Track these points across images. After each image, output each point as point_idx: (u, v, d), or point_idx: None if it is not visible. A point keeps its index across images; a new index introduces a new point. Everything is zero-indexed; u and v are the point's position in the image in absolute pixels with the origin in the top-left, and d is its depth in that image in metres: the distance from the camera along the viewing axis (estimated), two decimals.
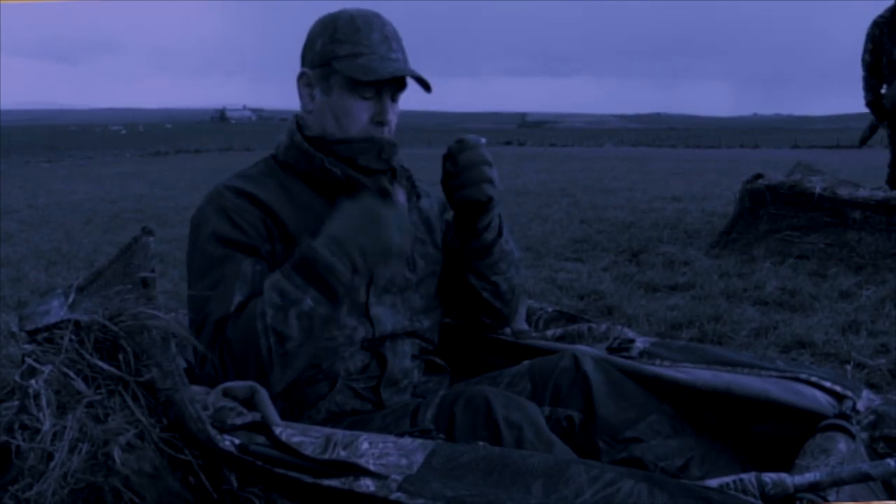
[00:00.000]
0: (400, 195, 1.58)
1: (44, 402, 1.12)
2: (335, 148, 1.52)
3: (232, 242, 1.45)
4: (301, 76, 1.56)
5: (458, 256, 1.65)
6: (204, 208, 1.51)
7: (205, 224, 1.48)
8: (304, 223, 1.48)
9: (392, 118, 1.54)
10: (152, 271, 1.31)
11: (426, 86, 1.54)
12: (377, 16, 1.53)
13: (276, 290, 1.38)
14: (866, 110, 5.61)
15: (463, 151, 1.54)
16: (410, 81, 1.55)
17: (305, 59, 1.56)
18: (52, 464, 1.08)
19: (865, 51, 5.39)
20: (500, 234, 1.64)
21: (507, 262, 1.66)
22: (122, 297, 1.25)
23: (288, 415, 1.48)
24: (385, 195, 1.50)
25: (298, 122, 1.58)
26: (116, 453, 1.09)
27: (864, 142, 6.00)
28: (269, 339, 1.36)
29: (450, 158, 1.55)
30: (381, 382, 1.55)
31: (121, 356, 1.19)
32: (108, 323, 1.20)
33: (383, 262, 1.45)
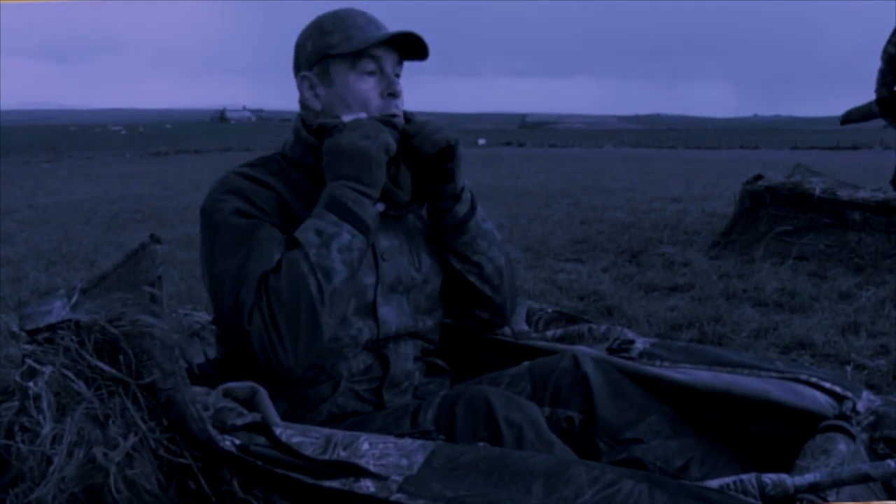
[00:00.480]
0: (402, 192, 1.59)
1: (44, 405, 1.12)
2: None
3: (254, 215, 1.47)
4: (302, 80, 1.57)
5: (438, 239, 1.65)
6: (216, 194, 1.51)
7: (223, 206, 1.48)
8: (306, 210, 1.50)
9: (400, 90, 1.55)
10: (159, 278, 1.32)
11: (423, 49, 1.55)
12: (357, 9, 1.56)
13: (312, 231, 1.42)
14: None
15: (413, 118, 1.57)
16: (407, 63, 1.57)
17: (300, 65, 1.57)
18: (51, 468, 1.07)
19: (890, 42, 5.18)
20: (473, 209, 1.63)
21: (486, 240, 1.65)
22: (125, 302, 1.25)
23: (290, 416, 1.48)
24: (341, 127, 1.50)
25: (303, 119, 1.59)
26: (113, 472, 1.09)
27: (847, 122, 5.81)
28: (317, 277, 1.38)
29: (405, 137, 1.55)
30: (384, 384, 1.55)
31: (121, 358, 1.19)
32: (107, 325, 1.20)
33: (377, 172, 1.46)
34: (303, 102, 1.59)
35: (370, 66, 1.52)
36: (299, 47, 1.57)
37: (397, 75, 1.56)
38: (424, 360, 1.64)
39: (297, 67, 1.58)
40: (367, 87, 1.53)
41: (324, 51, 1.53)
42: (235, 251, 1.42)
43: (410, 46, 1.55)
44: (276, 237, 1.44)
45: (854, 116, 5.68)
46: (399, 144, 1.53)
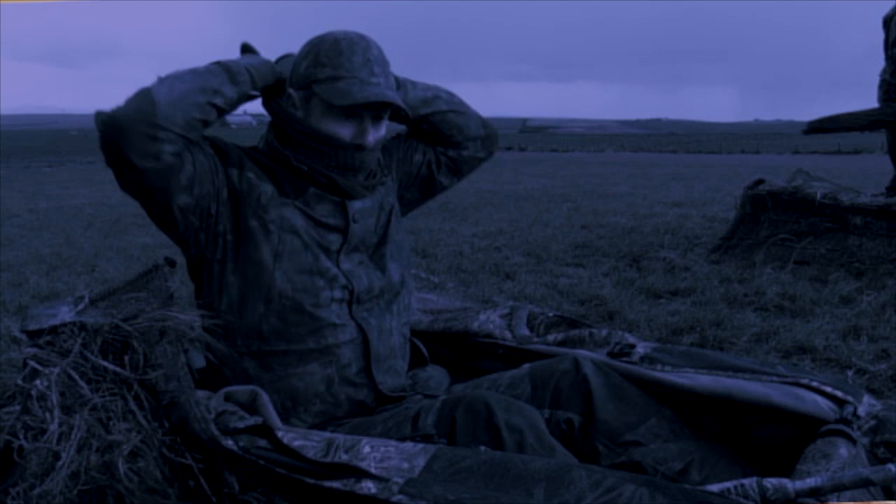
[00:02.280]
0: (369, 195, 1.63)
1: (52, 402, 1.12)
2: (303, 140, 1.56)
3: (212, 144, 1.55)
4: (287, 98, 1.58)
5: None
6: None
7: None
8: (291, 188, 1.57)
9: (371, 140, 1.56)
10: (171, 296, 1.33)
11: (405, 114, 1.59)
12: (362, 38, 1.55)
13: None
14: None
15: None
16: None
17: (291, 80, 1.59)
18: (59, 463, 1.08)
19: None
20: (399, 86, 1.67)
21: (424, 91, 1.71)
22: (140, 305, 1.26)
23: (281, 411, 1.47)
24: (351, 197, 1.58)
25: (273, 126, 1.62)
26: (121, 464, 1.09)
27: (812, 131, 5.56)
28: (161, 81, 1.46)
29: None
30: (370, 362, 1.57)
31: (127, 358, 1.19)
32: (122, 323, 1.20)
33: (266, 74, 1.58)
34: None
35: (348, 115, 1.54)
36: (296, 63, 1.58)
37: (378, 121, 1.57)
38: (407, 339, 1.68)
39: (290, 80, 1.59)
40: (340, 128, 1.54)
41: (310, 80, 1.54)
42: None
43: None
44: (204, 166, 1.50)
45: (826, 125, 5.48)
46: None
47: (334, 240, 1.58)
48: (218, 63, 1.53)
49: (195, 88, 1.46)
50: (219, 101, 1.48)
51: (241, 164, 1.56)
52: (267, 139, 1.62)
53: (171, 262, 1.45)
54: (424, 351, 1.75)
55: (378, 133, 1.57)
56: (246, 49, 1.65)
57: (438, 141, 1.75)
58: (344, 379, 1.55)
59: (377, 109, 1.55)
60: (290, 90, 1.58)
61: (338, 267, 1.57)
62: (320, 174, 1.55)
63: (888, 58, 5.23)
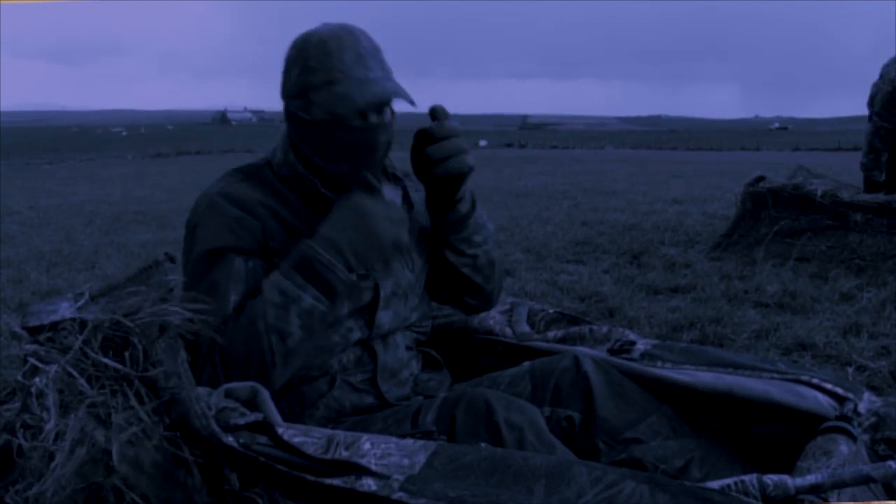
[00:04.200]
0: (390, 192, 1.56)
1: (49, 401, 1.12)
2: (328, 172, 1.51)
3: (225, 249, 1.44)
4: (284, 108, 1.52)
5: (434, 234, 1.63)
6: (201, 213, 1.50)
7: (199, 234, 1.48)
8: (298, 231, 1.48)
9: (382, 140, 1.49)
10: (171, 290, 1.32)
11: (409, 101, 1.49)
12: (349, 32, 1.47)
13: (276, 290, 1.39)
14: (867, 112, 5.56)
15: (441, 126, 1.49)
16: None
17: (284, 88, 1.51)
18: (53, 464, 1.08)
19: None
20: (473, 207, 1.61)
21: (482, 234, 1.64)
22: (139, 299, 1.25)
23: (287, 414, 1.48)
24: (371, 190, 1.46)
25: (292, 139, 1.54)
26: (115, 448, 1.09)
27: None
28: (271, 338, 1.37)
29: (423, 136, 1.50)
30: (377, 374, 1.55)
31: (127, 354, 1.19)
32: (122, 319, 1.20)
33: (375, 255, 1.44)
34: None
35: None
36: (287, 69, 1.50)
37: (381, 113, 1.48)
38: (419, 350, 1.65)
39: (282, 91, 1.52)
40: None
41: (305, 89, 1.46)
42: (195, 284, 1.42)
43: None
44: (239, 269, 1.43)
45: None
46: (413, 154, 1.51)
47: (366, 288, 1.53)
48: (315, 289, 1.40)
49: (308, 351, 1.43)
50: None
51: (264, 248, 1.48)
52: (287, 160, 1.54)
53: (170, 258, 1.44)
54: (440, 359, 1.72)
55: (386, 124, 1.50)
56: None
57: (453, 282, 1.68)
58: (348, 385, 1.54)
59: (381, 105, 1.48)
60: (286, 101, 1.51)
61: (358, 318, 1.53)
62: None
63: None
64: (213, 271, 1.43)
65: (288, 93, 1.50)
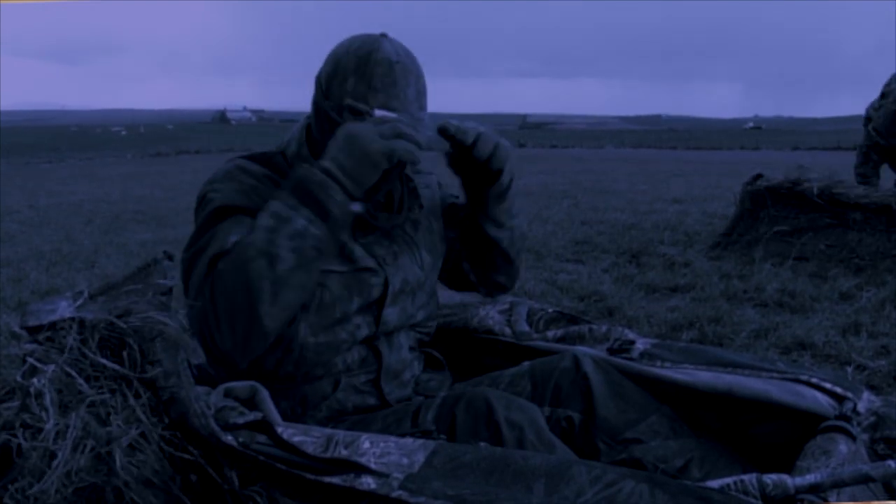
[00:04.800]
0: (425, 178, 1.61)
1: (47, 401, 1.12)
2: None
3: (235, 208, 1.42)
4: (320, 106, 1.49)
5: (473, 212, 1.61)
6: (214, 182, 1.48)
7: (213, 196, 1.45)
8: None
9: (416, 124, 1.46)
10: (170, 290, 1.32)
11: (445, 152, 1.51)
12: (413, 62, 1.48)
13: (267, 213, 1.35)
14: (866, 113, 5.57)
15: (478, 138, 1.49)
16: None
17: (332, 89, 1.46)
18: (54, 462, 1.08)
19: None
20: (512, 177, 1.60)
21: (516, 203, 1.65)
22: (133, 300, 1.25)
23: (290, 415, 1.48)
24: (360, 115, 1.42)
25: (312, 135, 1.52)
26: (118, 456, 1.09)
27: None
28: (259, 263, 1.31)
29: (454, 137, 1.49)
30: (381, 375, 1.55)
31: (125, 353, 1.19)
32: (116, 320, 1.20)
33: (368, 171, 1.38)
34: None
35: None
36: (341, 72, 1.45)
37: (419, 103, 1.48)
38: (421, 351, 1.65)
39: (324, 90, 1.48)
40: None
41: (339, 101, 1.45)
42: (200, 237, 1.40)
43: None
44: (245, 222, 1.39)
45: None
46: (451, 156, 1.52)
47: (376, 283, 1.52)
48: (304, 207, 1.35)
49: (301, 283, 1.35)
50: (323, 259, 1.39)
51: None
52: (300, 153, 1.52)
53: (169, 256, 1.43)
54: (443, 360, 1.71)
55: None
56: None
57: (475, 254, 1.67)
58: (351, 386, 1.54)
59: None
60: (329, 103, 1.47)
61: (367, 314, 1.53)
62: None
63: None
64: (220, 224, 1.40)
65: (334, 97, 1.46)
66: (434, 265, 1.65)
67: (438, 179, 1.73)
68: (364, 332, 1.52)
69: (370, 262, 1.51)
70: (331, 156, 1.38)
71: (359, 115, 1.42)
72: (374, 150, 1.36)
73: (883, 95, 5.42)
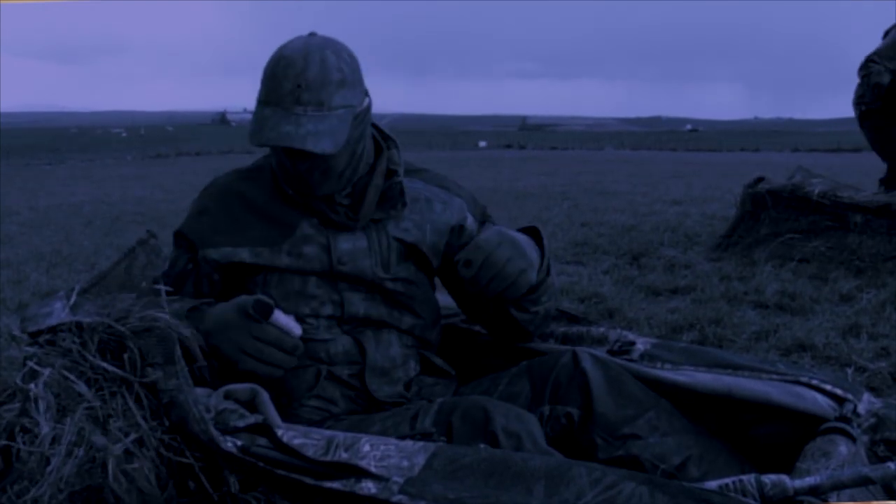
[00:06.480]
0: (353, 238, 1.56)
1: (42, 407, 1.12)
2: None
3: (185, 238, 1.57)
4: None
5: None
6: (197, 200, 1.64)
7: (187, 216, 1.62)
8: (286, 224, 1.55)
9: (315, 176, 1.49)
10: (156, 280, 1.31)
11: (309, 151, 1.41)
12: (306, 57, 1.41)
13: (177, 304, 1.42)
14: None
15: (482, 265, 1.45)
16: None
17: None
18: (48, 468, 1.08)
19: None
20: (547, 272, 1.60)
21: (549, 293, 1.65)
22: (130, 301, 1.25)
23: (276, 406, 1.47)
24: (262, 309, 1.38)
25: None
26: (110, 464, 1.09)
27: None
28: None
29: (467, 265, 1.45)
30: (365, 369, 1.55)
31: (125, 356, 1.19)
32: (114, 324, 1.20)
33: (226, 363, 1.40)
34: None
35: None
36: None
37: (305, 156, 1.45)
38: (419, 352, 1.64)
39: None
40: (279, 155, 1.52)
41: (257, 99, 1.47)
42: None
43: None
44: (182, 257, 1.56)
45: None
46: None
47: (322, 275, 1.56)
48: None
49: None
50: None
51: (214, 243, 1.55)
52: (271, 163, 1.61)
53: (153, 235, 1.45)
54: (450, 370, 1.69)
55: (319, 165, 1.47)
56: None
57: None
58: (335, 377, 1.54)
59: (290, 151, 1.46)
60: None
61: (328, 292, 1.56)
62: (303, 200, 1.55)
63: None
64: (174, 249, 1.60)
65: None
66: (415, 276, 1.63)
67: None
68: (328, 310, 1.54)
69: (317, 236, 1.55)
70: (208, 327, 1.40)
71: (265, 308, 1.38)
72: (235, 359, 1.39)
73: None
